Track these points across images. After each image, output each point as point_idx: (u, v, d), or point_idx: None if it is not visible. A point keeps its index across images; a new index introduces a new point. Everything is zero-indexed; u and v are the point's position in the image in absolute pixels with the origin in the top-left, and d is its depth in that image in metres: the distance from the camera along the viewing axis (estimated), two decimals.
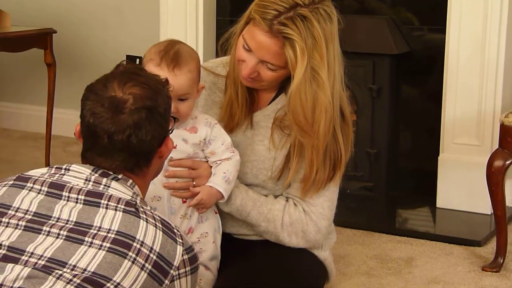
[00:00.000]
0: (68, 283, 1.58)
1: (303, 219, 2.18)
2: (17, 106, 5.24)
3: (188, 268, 1.73)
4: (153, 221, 1.71)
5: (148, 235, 1.67)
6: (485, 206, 3.49)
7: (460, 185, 3.59)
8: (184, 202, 2.12)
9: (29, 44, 4.19)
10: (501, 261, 3.03)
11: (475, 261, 3.11)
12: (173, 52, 2.07)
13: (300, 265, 2.22)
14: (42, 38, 4.16)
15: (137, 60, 4.56)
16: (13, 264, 1.61)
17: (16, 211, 1.71)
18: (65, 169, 1.78)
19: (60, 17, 4.92)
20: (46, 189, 1.74)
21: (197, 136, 2.12)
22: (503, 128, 2.95)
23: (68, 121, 4.96)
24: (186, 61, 2.07)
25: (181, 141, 2.11)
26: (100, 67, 4.83)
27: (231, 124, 2.22)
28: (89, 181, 1.75)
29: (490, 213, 3.46)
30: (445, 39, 3.59)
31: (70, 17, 4.94)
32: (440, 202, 3.66)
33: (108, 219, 1.67)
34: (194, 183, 2.12)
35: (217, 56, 2.37)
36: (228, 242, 2.24)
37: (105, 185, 1.74)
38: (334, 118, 2.12)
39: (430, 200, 3.70)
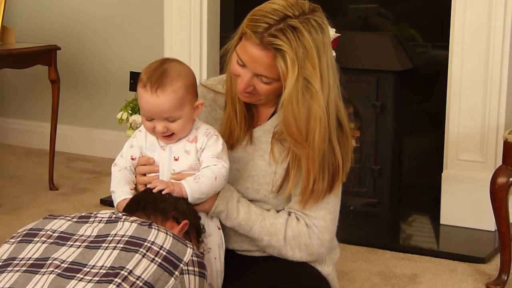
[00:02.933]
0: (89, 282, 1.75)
1: (306, 232, 2.18)
2: (21, 122, 5.25)
3: (196, 269, 1.86)
4: (165, 231, 1.88)
5: (159, 238, 1.86)
6: (489, 223, 3.48)
7: (464, 202, 3.59)
8: None
9: (33, 61, 4.20)
10: (505, 278, 3.02)
11: (479, 278, 3.11)
12: (159, 72, 2.05)
13: (303, 281, 2.21)
14: (46, 55, 4.18)
15: None
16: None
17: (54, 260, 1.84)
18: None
19: (64, 34, 4.94)
20: (76, 219, 1.95)
21: (196, 146, 2.12)
22: (507, 144, 2.95)
23: (71, 137, 4.98)
24: (171, 81, 2.05)
25: (184, 153, 2.12)
26: (104, 84, 4.89)
27: (231, 140, 2.23)
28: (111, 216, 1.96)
29: (494, 230, 3.46)
30: (448, 55, 3.60)
31: (74, 34, 4.96)
32: (444, 218, 3.65)
33: (124, 229, 1.86)
34: None
35: (221, 72, 2.37)
36: (231, 258, 2.23)
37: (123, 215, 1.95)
38: (330, 128, 2.11)
39: (434, 217, 3.70)
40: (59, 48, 4.21)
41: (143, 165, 2.15)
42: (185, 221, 2.01)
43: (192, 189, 2.07)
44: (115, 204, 2.15)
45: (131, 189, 2.15)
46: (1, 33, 4.24)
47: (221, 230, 2.20)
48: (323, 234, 2.19)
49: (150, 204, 2.02)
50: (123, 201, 2.12)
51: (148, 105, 2.06)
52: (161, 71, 2.06)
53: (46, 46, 4.24)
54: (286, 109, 2.05)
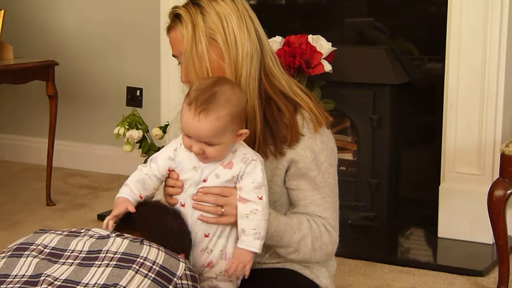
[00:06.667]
0: None
1: (324, 232, 2.18)
2: (18, 138, 5.25)
3: (190, 282, 1.88)
4: (156, 247, 1.89)
5: (151, 253, 1.87)
6: (486, 236, 3.48)
7: (462, 215, 3.59)
8: (206, 236, 2.06)
9: (31, 76, 4.21)
10: None
11: None
12: (208, 95, 1.97)
13: None
14: (44, 70, 4.18)
15: (138, 91, 4.59)
16: None
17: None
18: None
19: (62, 49, 4.95)
20: (66, 232, 1.95)
21: (231, 172, 2.04)
22: (504, 157, 2.95)
23: (68, 152, 4.97)
24: (217, 108, 1.96)
25: (213, 176, 2.04)
26: (101, 99, 4.89)
27: None
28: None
29: (492, 243, 3.45)
30: (444, 68, 3.61)
31: (72, 49, 4.96)
32: (442, 231, 3.65)
33: (116, 246, 1.87)
34: (223, 210, 2.08)
35: None
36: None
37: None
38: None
39: (431, 230, 3.70)
40: (57, 64, 4.22)
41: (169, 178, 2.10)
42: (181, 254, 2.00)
43: (261, 247, 2.03)
44: (117, 195, 2.08)
45: (141, 197, 2.06)
46: None
47: None
48: (333, 232, 2.20)
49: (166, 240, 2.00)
50: (123, 199, 2.05)
51: (189, 125, 1.99)
52: (211, 93, 1.98)
53: (44, 61, 4.24)
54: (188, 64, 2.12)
